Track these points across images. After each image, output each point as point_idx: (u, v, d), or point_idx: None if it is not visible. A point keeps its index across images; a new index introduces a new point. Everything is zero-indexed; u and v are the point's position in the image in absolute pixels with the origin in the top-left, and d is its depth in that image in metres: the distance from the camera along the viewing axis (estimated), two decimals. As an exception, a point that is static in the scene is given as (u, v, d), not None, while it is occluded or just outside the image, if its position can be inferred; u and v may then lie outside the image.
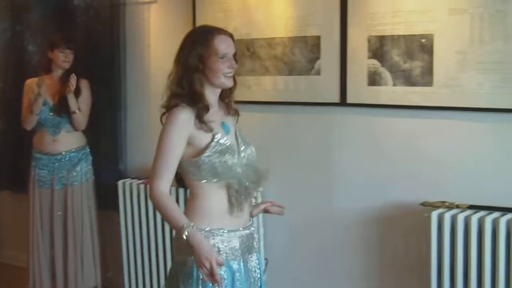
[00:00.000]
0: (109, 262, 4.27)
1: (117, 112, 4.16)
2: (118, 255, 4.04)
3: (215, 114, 2.28)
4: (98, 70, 4.15)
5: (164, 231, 3.79)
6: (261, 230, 3.57)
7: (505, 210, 2.88)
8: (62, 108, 3.85)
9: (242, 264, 2.28)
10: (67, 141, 3.94)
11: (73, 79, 3.75)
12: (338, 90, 3.33)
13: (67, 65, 3.88)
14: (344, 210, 3.40)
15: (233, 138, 2.32)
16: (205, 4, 3.74)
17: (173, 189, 3.41)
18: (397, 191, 3.21)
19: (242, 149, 2.30)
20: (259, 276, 2.37)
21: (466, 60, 2.95)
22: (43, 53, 4.02)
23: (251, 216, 2.41)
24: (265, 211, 2.47)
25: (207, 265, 2.05)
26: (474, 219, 2.86)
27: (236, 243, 2.26)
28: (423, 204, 3.05)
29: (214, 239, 2.20)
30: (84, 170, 3.99)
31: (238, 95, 2.39)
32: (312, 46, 3.40)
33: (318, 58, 3.39)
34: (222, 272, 2.17)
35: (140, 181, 3.91)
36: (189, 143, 2.21)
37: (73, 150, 3.96)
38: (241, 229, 2.29)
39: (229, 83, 2.28)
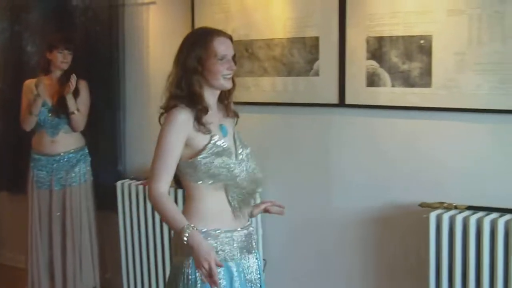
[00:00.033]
0: (108, 263, 4.27)
1: (116, 113, 4.16)
2: (117, 256, 4.04)
3: (213, 115, 2.28)
4: (97, 71, 4.14)
5: (163, 232, 3.78)
6: (260, 231, 3.58)
7: (503, 211, 2.88)
8: (61, 109, 3.84)
9: (240, 264, 2.28)
10: (66, 142, 3.93)
11: (73, 79, 3.73)
12: (337, 91, 3.33)
13: (65, 66, 3.87)
14: (343, 211, 3.40)
15: (231, 140, 2.32)
16: (204, 5, 3.74)
17: (172, 190, 3.41)
18: (396, 191, 3.22)
19: (240, 151, 2.30)
20: (259, 276, 2.37)
21: (464, 61, 2.95)
22: (41, 54, 4.01)
23: (252, 216, 2.41)
24: (265, 211, 2.47)
25: (206, 266, 2.05)
26: (473, 220, 2.87)
27: (234, 244, 2.26)
28: (422, 205, 3.05)
29: (210, 240, 2.19)
30: (82, 171, 3.99)
31: (237, 96, 2.39)
32: (311, 47, 3.40)
33: (316, 59, 3.39)
34: (220, 275, 2.17)
35: (139, 182, 3.90)
36: (187, 144, 2.21)
37: (72, 151, 3.95)
38: (239, 229, 2.29)
39: (228, 84, 2.28)
